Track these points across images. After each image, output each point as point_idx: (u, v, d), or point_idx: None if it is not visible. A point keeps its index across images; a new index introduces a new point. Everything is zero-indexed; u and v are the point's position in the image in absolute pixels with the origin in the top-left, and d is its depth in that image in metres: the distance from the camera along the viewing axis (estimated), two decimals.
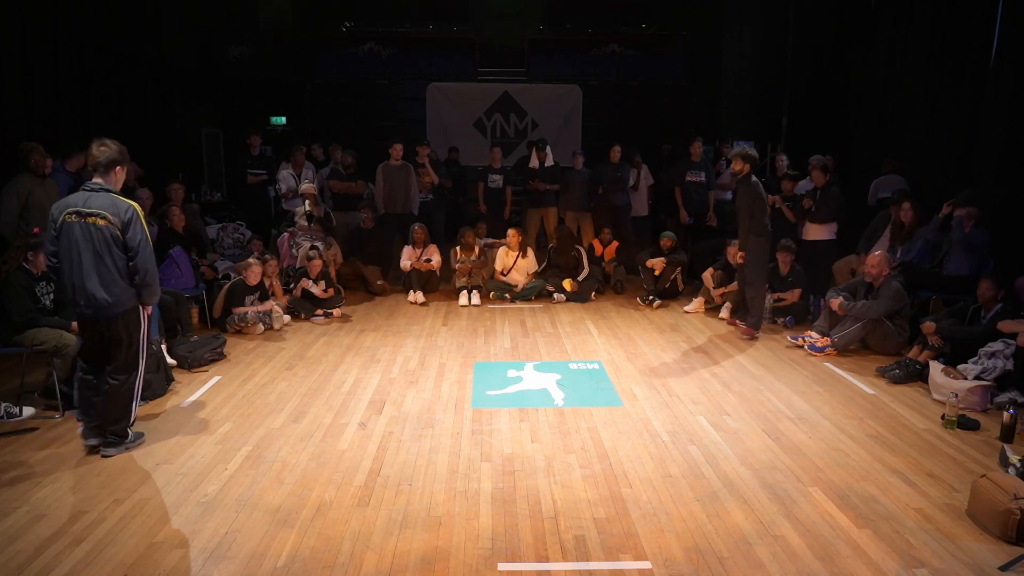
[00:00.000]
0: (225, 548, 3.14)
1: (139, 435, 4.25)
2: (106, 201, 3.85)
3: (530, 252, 8.27)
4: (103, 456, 4.07)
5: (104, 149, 3.92)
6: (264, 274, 6.77)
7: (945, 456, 4.13)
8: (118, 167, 3.98)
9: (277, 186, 8.76)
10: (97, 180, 3.94)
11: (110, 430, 4.08)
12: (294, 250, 7.84)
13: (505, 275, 8.17)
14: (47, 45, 7.67)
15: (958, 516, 3.45)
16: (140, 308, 4.05)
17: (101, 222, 3.81)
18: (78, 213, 3.82)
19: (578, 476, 3.84)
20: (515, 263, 8.17)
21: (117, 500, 3.54)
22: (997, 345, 5.01)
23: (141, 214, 3.93)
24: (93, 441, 4.09)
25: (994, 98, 6.69)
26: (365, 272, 8.32)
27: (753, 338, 6.54)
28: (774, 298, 7.07)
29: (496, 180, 9.43)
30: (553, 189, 9.24)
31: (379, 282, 8.30)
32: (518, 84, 12.77)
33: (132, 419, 4.17)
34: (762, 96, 11.22)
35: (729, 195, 9.37)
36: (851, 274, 6.96)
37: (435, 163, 9.43)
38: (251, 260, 6.71)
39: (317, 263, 7.24)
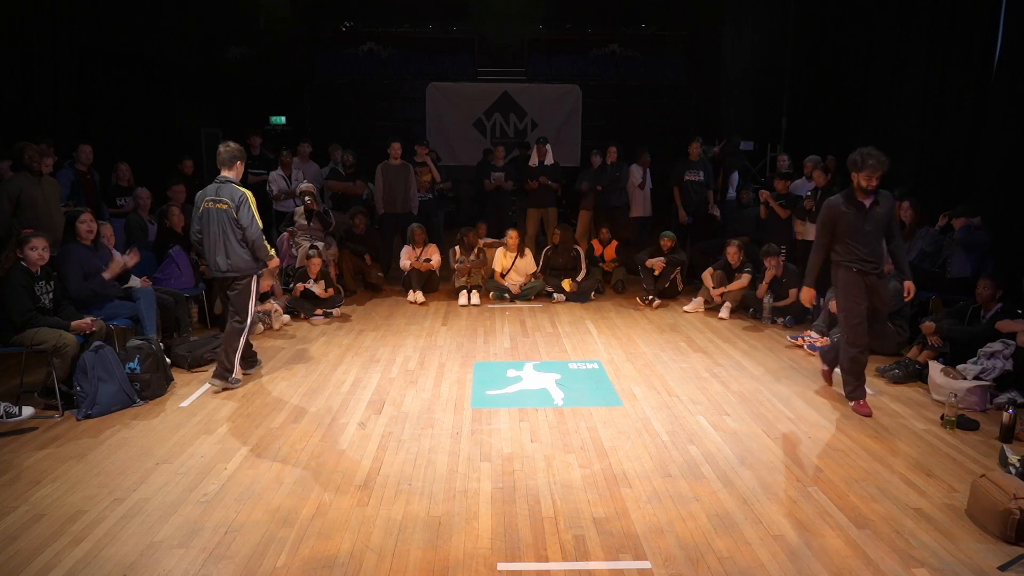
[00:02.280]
0: (225, 548, 3.14)
1: (238, 380, 5.15)
2: (227, 190, 4.92)
3: (528, 253, 8.26)
4: (209, 384, 5.06)
5: (228, 149, 4.99)
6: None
7: (945, 456, 4.13)
8: (238, 162, 5.03)
9: (268, 188, 8.73)
10: (224, 173, 4.98)
11: (221, 361, 5.09)
12: (294, 250, 7.84)
13: (504, 276, 8.17)
14: (47, 45, 7.67)
15: (958, 516, 3.45)
16: (252, 278, 5.07)
17: (224, 207, 4.89)
18: (212, 200, 4.92)
19: (578, 476, 3.84)
20: (513, 264, 8.17)
21: (117, 500, 3.54)
22: (996, 345, 5.01)
23: (251, 200, 4.93)
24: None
25: (995, 98, 6.68)
26: (364, 266, 8.33)
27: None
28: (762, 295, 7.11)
29: (498, 177, 9.60)
30: (553, 188, 9.25)
31: (379, 274, 8.33)
32: (518, 84, 12.76)
33: (236, 358, 5.09)
34: (762, 96, 11.21)
35: (733, 195, 9.40)
36: None
37: (434, 163, 9.44)
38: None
39: (317, 262, 7.24)
